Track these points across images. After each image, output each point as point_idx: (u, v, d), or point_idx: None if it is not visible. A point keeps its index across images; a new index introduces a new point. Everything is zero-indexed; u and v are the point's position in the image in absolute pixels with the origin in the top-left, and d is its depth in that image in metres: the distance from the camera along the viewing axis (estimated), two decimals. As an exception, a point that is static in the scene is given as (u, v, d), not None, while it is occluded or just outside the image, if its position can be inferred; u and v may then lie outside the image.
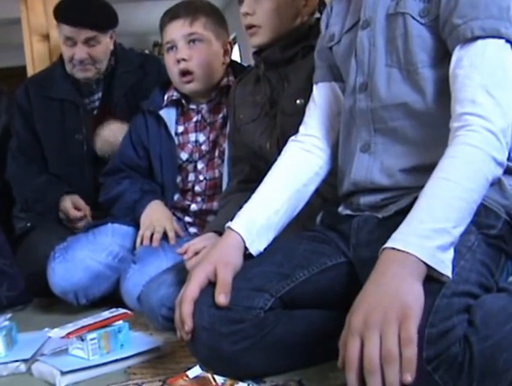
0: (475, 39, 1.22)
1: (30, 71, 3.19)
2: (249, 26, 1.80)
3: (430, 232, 1.08)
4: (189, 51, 2.09)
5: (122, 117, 2.46)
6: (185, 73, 2.10)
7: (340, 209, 1.48)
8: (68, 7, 2.49)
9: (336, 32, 1.51)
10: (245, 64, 2.33)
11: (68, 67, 2.52)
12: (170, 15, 2.11)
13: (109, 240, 2.18)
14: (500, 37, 1.21)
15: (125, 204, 2.21)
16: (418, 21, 1.31)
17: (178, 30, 2.09)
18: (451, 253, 1.11)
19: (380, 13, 1.37)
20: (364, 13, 1.40)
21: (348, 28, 1.47)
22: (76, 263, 2.10)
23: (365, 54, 1.39)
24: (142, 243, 2.07)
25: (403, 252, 1.07)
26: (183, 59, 2.08)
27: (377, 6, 1.38)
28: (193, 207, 2.19)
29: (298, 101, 1.74)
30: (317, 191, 1.55)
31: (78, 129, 2.53)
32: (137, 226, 2.16)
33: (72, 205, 2.45)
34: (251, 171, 1.92)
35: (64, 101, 2.55)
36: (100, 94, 2.57)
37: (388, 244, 1.10)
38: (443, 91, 1.27)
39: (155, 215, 2.12)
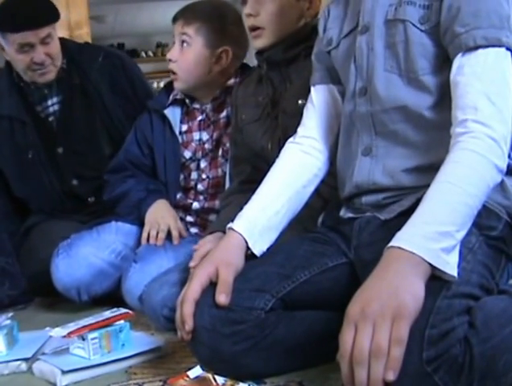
0: (476, 47, 1.23)
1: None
2: (253, 28, 1.80)
3: (435, 235, 1.09)
4: (179, 52, 2.10)
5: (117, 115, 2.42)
6: (172, 72, 2.14)
7: (342, 213, 1.48)
8: (13, 14, 2.32)
9: (334, 36, 1.51)
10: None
11: (27, 75, 2.37)
12: (175, 15, 2.14)
13: (113, 237, 2.19)
14: (500, 46, 1.22)
15: (130, 203, 2.22)
16: (418, 28, 1.31)
17: (176, 30, 2.11)
18: (455, 255, 1.11)
19: (378, 18, 1.37)
20: (362, 18, 1.41)
21: (346, 33, 1.47)
22: (79, 259, 2.10)
23: (363, 59, 1.40)
24: (147, 241, 2.08)
25: (409, 251, 1.08)
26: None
27: (376, 11, 1.38)
28: (195, 205, 2.19)
29: (300, 102, 1.73)
30: (318, 193, 1.55)
31: (29, 146, 2.42)
32: (141, 225, 2.16)
33: None
34: (253, 172, 1.91)
35: (12, 118, 2.42)
36: (54, 99, 2.43)
37: (393, 243, 1.10)
38: (444, 95, 1.28)
39: (160, 214, 2.12)
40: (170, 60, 2.12)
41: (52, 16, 2.35)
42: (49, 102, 2.44)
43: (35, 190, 2.46)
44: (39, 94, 2.43)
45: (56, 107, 2.44)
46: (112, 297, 2.12)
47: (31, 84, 2.41)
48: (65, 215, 2.45)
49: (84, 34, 3.19)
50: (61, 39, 2.45)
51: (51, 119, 2.44)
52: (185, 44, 2.10)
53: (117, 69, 2.48)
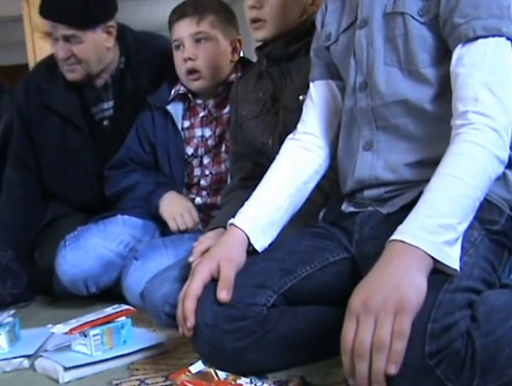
0: (476, 38, 1.22)
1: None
2: (255, 20, 1.79)
3: (437, 228, 1.09)
4: (196, 50, 2.10)
5: None
6: (192, 71, 2.12)
7: (344, 207, 1.48)
8: None
9: (332, 31, 1.51)
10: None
11: (59, 67, 2.29)
12: (178, 14, 2.12)
13: (120, 229, 2.18)
14: (500, 35, 1.22)
15: (138, 196, 2.21)
16: (417, 20, 1.31)
17: (185, 29, 2.09)
18: (458, 248, 1.11)
19: (377, 12, 1.37)
20: (361, 12, 1.40)
21: (345, 27, 1.47)
22: (87, 250, 2.10)
23: (363, 53, 1.39)
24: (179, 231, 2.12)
25: (411, 245, 1.08)
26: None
27: (374, 4, 1.38)
28: (198, 200, 2.19)
29: (300, 97, 1.73)
30: (319, 187, 1.55)
31: (81, 151, 2.35)
32: (148, 218, 2.18)
33: None
34: (253, 168, 1.91)
35: (65, 118, 2.33)
36: (110, 103, 2.34)
37: (395, 237, 1.10)
38: (445, 87, 1.28)
39: (177, 202, 2.13)
40: (190, 59, 2.09)
41: (76, 20, 2.18)
42: (105, 105, 2.36)
43: (72, 184, 2.40)
44: (94, 95, 2.34)
45: (111, 111, 2.35)
46: (112, 293, 2.12)
47: (87, 83, 2.31)
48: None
49: (83, 32, 3.17)
50: (122, 33, 2.30)
51: (105, 123, 2.36)
52: (202, 41, 2.09)
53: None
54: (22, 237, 2.38)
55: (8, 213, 2.44)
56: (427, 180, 1.17)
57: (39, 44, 3.29)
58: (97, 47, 2.26)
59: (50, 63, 2.40)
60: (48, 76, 2.38)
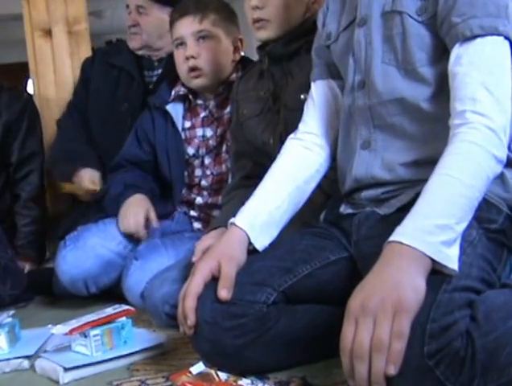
0: (474, 37, 1.22)
1: (32, 68, 3.18)
2: (257, 20, 1.79)
3: (435, 228, 1.09)
4: (198, 48, 2.10)
5: None
6: (193, 69, 2.12)
7: (342, 209, 1.48)
8: None
9: (332, 31, 1.51)
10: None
11: (127, 36, 2.65)
12: (180, 12, 2.12)
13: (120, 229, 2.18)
14: (498, 34, 1.22)
15: (110, 197, 2.24)
16: (415, 19, 1.31)
17: (187, 27, 2.10)
18: (456, 248, 1.11)
19: (375, 10, 1.37)
20: (360, 11, 1.41)
21: (344, 27, 1.47)
22: (87, 250, 2.09)
23: (361, 52, 1.40)
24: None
25: (409, 246, 1.08)
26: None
27: (373, 3, 1.38)
28: (198, 200, 2.19)
29: (302, 96, 1.72)
30: (319, 187, 1.55)
31: (127, 98, 2.60)
32: None
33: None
34: (254, 167, 1.91)
35: (122, 70, 2.65)
36: (160, 70, 2.61)
37: (393, 238, 1.10)
38: (442, 86, 1.28)
39: (132, 205, 2.14)
40: (192, 57, 2.10)
41: None
42: (155, 72, 2.64)
43: (113, 134, 2.55)
44: (149, 63, 2.65)
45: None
46: (112, 293, 2.12)
47: (145, 55, 2.64)
48: None
49: (82, 31, 3.17)
50: None
51: (151, 86, 2.61)
52: (204, 39, 2.09)
53: None
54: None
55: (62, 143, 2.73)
56: (424, 180, 1.17)
57: (38, 43, 3.27)
58: (159, 24, 2.54)
59: (118, 43, 2.91)
60: (114, 48, 2.86)
